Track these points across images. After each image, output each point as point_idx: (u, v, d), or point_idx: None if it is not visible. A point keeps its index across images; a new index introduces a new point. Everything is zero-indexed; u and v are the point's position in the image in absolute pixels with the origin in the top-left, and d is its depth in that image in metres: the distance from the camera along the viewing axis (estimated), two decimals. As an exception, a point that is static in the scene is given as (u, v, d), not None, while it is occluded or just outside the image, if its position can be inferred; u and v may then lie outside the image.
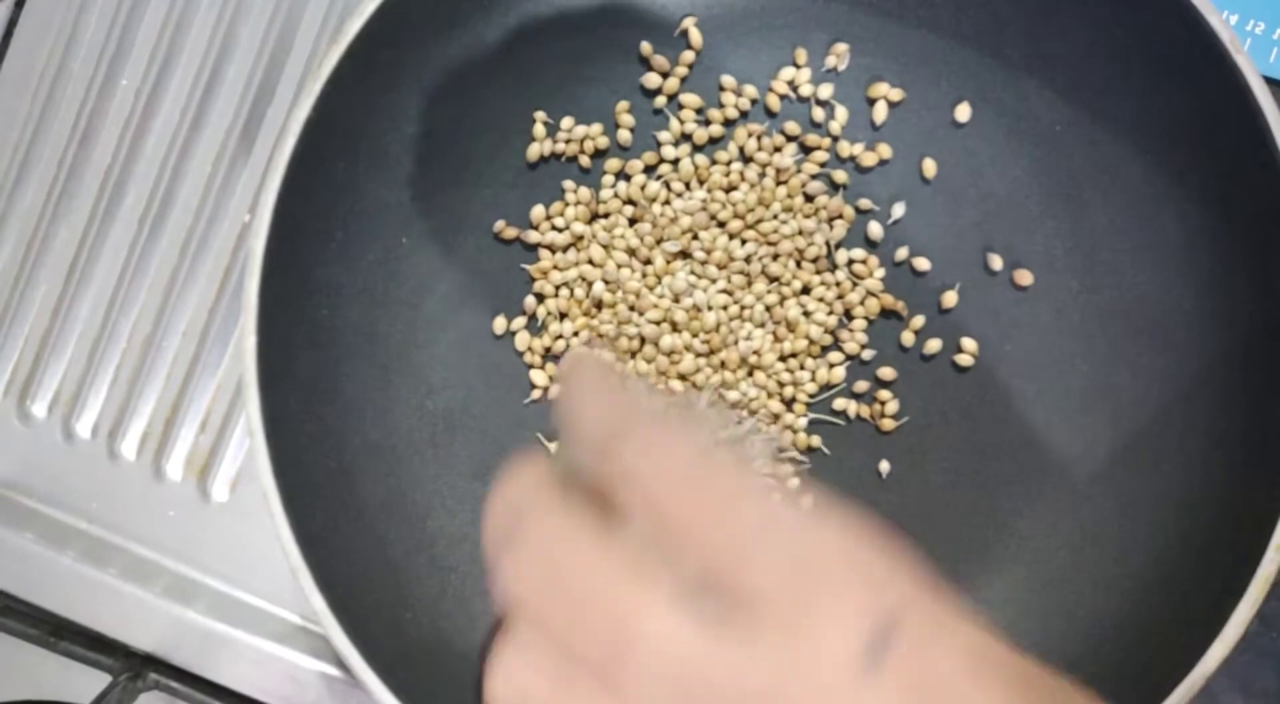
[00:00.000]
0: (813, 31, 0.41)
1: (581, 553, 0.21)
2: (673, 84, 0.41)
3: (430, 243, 0.41)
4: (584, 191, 0.42)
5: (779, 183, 0.42)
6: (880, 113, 0.41)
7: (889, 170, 0.42)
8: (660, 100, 0.42)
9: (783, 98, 0.42)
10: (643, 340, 0.41)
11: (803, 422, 0.41)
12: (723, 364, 0.41)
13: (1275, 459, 0.36)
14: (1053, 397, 0.40)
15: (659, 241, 0.42)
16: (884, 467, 0.41)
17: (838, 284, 0.41)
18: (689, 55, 0.41)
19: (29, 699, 0.45)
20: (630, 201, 0.42)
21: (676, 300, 0.41)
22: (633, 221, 0.42)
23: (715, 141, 0.42)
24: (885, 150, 0.41)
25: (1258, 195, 0.36)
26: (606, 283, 0.41)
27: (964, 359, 0.41)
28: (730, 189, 0.42)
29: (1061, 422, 0.40)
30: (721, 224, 0.42)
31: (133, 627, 0.44)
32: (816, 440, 0.41)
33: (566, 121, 0.41)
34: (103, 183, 0.45)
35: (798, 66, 0.41)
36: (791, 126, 0.42)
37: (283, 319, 0.37)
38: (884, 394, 0.41)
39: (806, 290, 0.42)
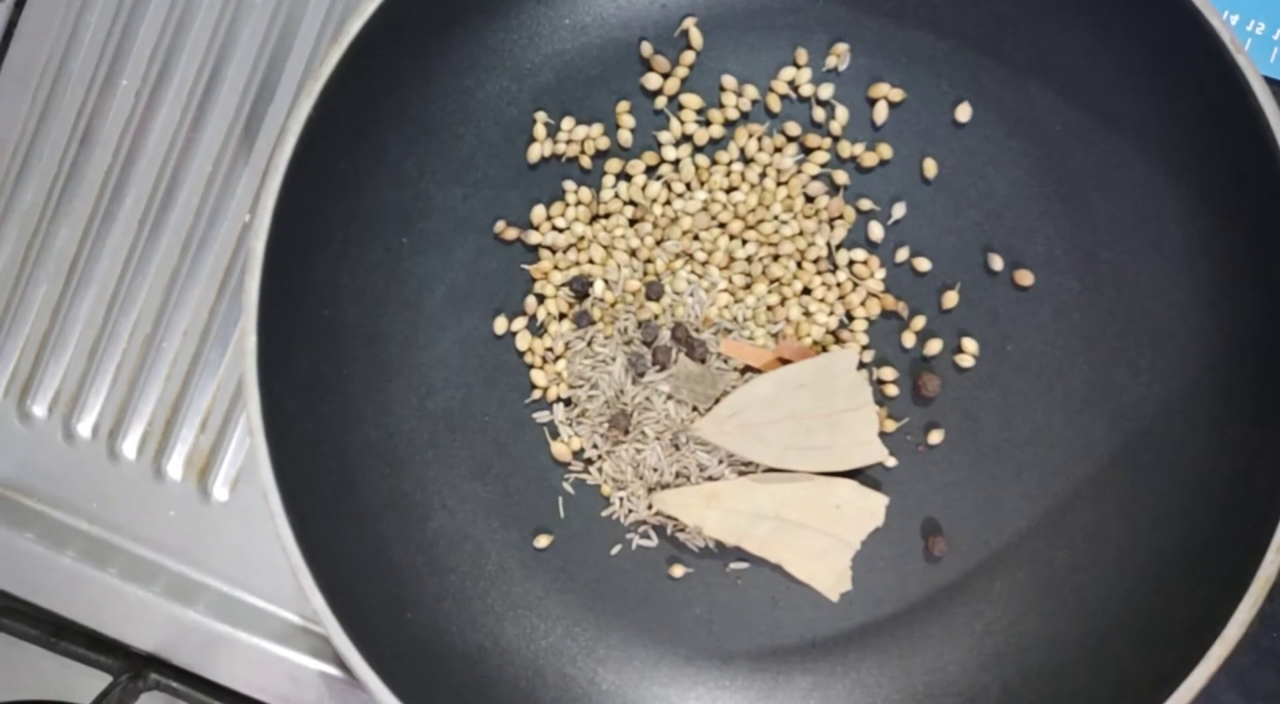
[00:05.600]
0: (813, 31, 0.41)
1: None
2: (673, 84, 0.41)
3: (430, 243, 0.41)
4: (585, 192, 0.42)
5: (780, 184, 0.42)
6: (881, 113, 0.41)
7: (889, 170, 0.42)
8: (661, 101, 0.42)
9: (783, 98, 0.42)
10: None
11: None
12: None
13: (1275, 459, 0.36)
14: (1053, 397, 0.40)
15: (660, 242, 0.42)
16: (886, 466, 0.41)
17: (839, 285, 0.41)
18: (689, 55, 0.41)
19: (29, 699, 0.45)
20: (631, 202, 0.42)
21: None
22: (633, 222, 0.42)
23: (716, 142, 0.42)
24: (886, 150, 0.41)
25: (1258, 195, 0.36)
26: (607, 283, 0.41)
27: (964, 360, 0.41)
28: (731, 190, 0.42)
29: (1061, 422, 0.40)
30: (722, 225, 0.42)
31: (133, 627, 0.44)
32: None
33: (567, 122, 0.41)
34: (103, 183, 0.45)
35: (798, 66, 0.41)
36: (792, 127, 0.42)
37: (283, 319, 0.37)
38: (885, 393, 0.41)
39: (807, 291, 0.42)
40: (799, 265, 0.42)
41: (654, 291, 0.41)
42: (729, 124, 0.42)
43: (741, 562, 0.41)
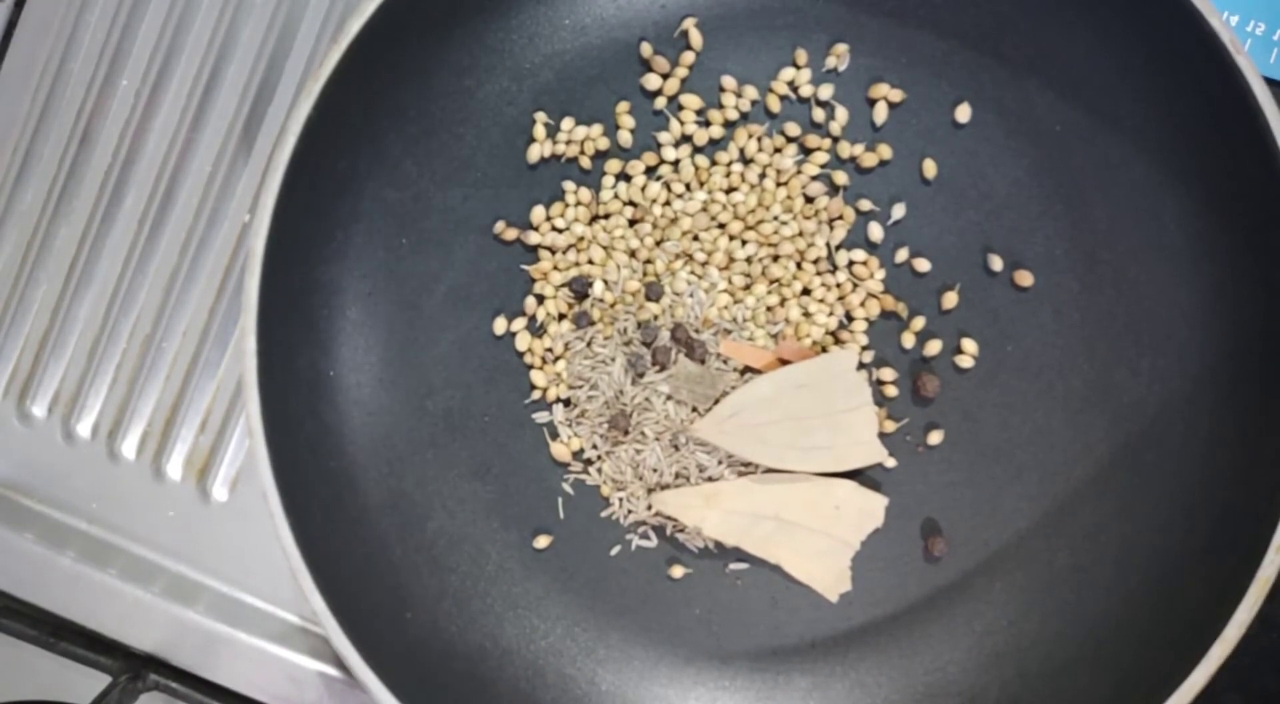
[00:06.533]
0: (813, 32, 0.41)
1: None
2: (673, 85, 0.41)
3: (430, 243, 0.41)
4: (584, 192, 0.42)
5: (779, 184, 0.42)
6: (880, 113, 0.41)
7: (889, 171, 0.42)
8: (660, 101, 0.42)
9: (783, 98, 0.42)
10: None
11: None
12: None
13: (1275, 459, 0.36)
14: (1053, 397, 0.40)
15: (659, 243, 0.42)
16: (886, 466, 0.41)
17: (838, 285, 0.41)
18: (689, 56, 0.41)
19: (29, 699, 0.45)
20: (631, 203, 0.42)
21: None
22: (633, 223, 0.42)
23: (715, 143, 0.42)
24: (885, 151, 0.41)
25: (1258, 195, 0.36)
26: (606, 284, 0.41)
27: (964, 360, 0.41)
28: (731, 190, 0.42)
29: (1061, 422, 0.40)
30: (722, 225, 0.42)
31: (133, 627, 0.44)
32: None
33: (566, 122, 0.41)
34: (103, 183, 0.45)
35: (798, 67, 0.41)
36: (792, 127, 0.42)
37: (283, 319, 0.37)
38: (884, 393, 0.41)
39: (807, 292, 0.42)
40: (799, 266, 0.42)
41: (654, 292, 0.41)
42: (729, 124, 0.42)
43: (741, 562, 0.41)
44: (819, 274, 0.41)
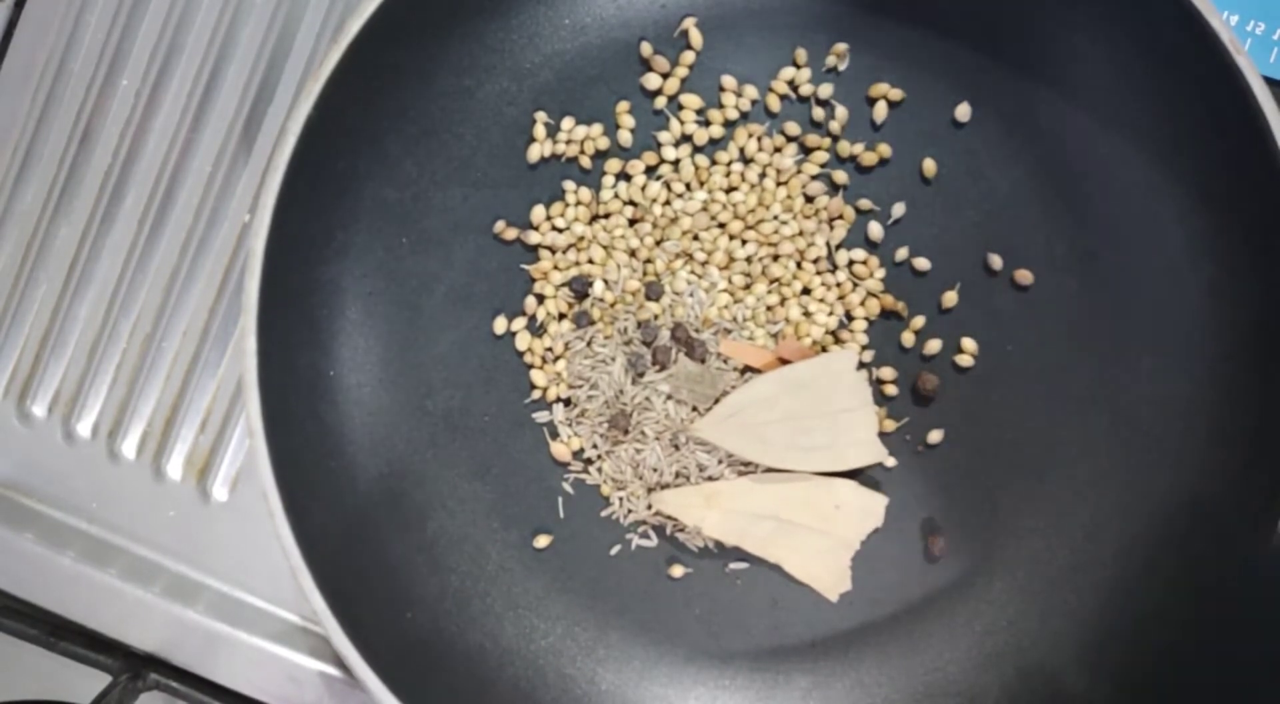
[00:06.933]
0: (813, 31, 0.41)
1: None
2: (673, 84, 0.41)
3: (430, 243, 0.41)
4: (584, 192, 0.42)
5: (779, 184, 0.42)
6: (880, 113, 0.41)
7: (889, 170, 0.42)
8: (660, 101, 0.42)
9: (783, 98, 0.42)
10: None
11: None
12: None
13: (1275, 459, 0.36)
14: (1053, 396, 0.40)
15: (659, 243, 0.42)
16: (886, 466, 0.41)
17: (838, 285, 0.41)
18: (689, 55, 0.41)
19: (29, 699, 0.45)
20: (631, 202, 0.42)
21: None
22: (633, 222, 0.42)
23: (715, 142, 0.42)
24: (885, 150, 0.41)
25: (1258, 195, 0.37)
26: (607, 283, 0.41)
27: (964, 359, 0.41)
28: (731, 190, 0.42)
29: (1061, 422, 0.40)
30: (722, 225, 0.42)
31: (133, 627, 0.44)
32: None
33: (566, 122, 0.41)
34: (103, 183, 0.45)
35: (798, 66, 0.41)
36: (792, 127, 0.42)
37: (283, 319, 0.37)
38: (884, 393, 0.41)
39: (807, 291, 0.42)
40: (799, 265, 0.42)
41: (654, 291, 0.41)
42: (729, 124, 0.42)
43: (741, 562, 0.41)
44: (819, 273, 0.42)
